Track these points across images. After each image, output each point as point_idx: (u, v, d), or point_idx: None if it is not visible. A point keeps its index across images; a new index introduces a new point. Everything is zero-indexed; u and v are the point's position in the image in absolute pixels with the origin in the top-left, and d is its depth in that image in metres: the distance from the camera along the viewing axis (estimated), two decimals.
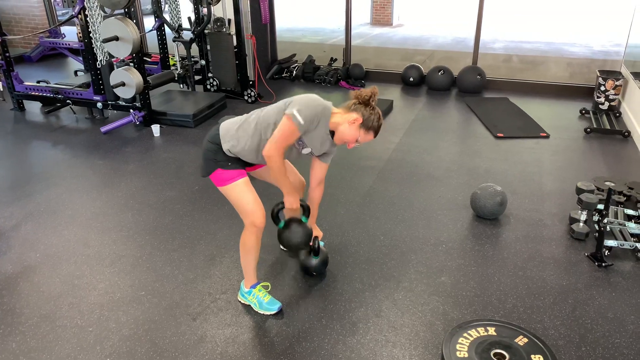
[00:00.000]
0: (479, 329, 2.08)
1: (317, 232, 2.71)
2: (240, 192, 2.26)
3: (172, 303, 2.50)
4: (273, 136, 2.14)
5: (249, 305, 2.45)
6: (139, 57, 4.76)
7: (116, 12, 4.65)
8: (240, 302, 2.49)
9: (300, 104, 2.12)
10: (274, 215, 2.49)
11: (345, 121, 2.18)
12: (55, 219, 3.29)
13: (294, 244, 2.42)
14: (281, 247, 2.90)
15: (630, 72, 5.12)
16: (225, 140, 2.24)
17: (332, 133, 2.25)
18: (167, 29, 6.00)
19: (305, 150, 2.31)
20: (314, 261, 2.63)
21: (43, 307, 2.47)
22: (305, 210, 2.51)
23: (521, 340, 2.00)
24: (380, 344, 2.23)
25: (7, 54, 5.27)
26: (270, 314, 2.40)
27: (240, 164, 2.30)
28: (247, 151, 2.24)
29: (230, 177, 2.25)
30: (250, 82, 5.78)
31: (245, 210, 2.27)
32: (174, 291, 2.58)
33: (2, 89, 5.62)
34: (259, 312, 2.41)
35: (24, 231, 3.16)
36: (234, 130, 2.25)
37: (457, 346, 1.98)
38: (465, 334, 2.04)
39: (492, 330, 2.06)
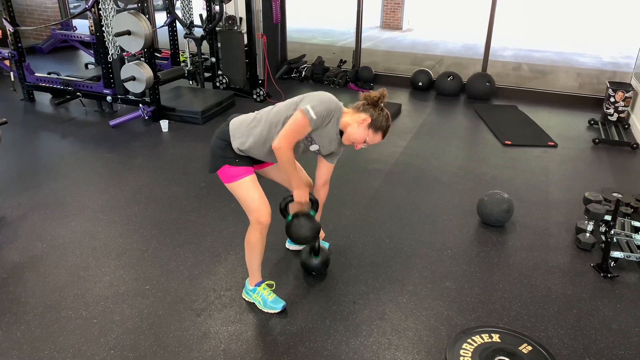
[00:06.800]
0: (483, 335, 2.08)
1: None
2: (246, 189, 2.27)
3: (176, 298, 2.50)
4: (284, 129, 2.15)
5: (253, 303, 2.46)
6: (150, 52, 4.78)
7: (129, 6, 4.67)
8: (244, 299, 2.49)
9: (314, 100, 2.14)
10: (282, 207, 2.48)
11: (354, 121, 2.19)
12: (63, 211, 3.30)
13: (301, 236, 2.39)
14: (287, 245, 2.91)
15: None
16: (235, 138, 2.25)
17: (341, 133, 2.26)
18: (178, 25, 6.03)
19: (313, 147, 2.31)
20: (315, 261, 2.63)
21: (48, 298, 2.48)
22: (314, 204, 2.49)
23: (525, 348, 2.00)
24: (383, 347, 2.23)
25: (20, 45, 5.31)
26: (274, 313, 2.40)
27: (249, 161, 2.31)
28: (257, 147, 2.24)
29: (237, 173, 2.26)
30: (260, 81, 5.79)
31: (251, 207, 2.28)
32: (179, 286, 2.59)
33: (13, 79, 5.66)
34: (263, 310, 2.41)
35: (31, 221, 3.18)
36: (244, 127, 2.26)
37: (461, 352, 1.98)
38: (469, 340, 2.05)
39: (496, 337, 2.06)
